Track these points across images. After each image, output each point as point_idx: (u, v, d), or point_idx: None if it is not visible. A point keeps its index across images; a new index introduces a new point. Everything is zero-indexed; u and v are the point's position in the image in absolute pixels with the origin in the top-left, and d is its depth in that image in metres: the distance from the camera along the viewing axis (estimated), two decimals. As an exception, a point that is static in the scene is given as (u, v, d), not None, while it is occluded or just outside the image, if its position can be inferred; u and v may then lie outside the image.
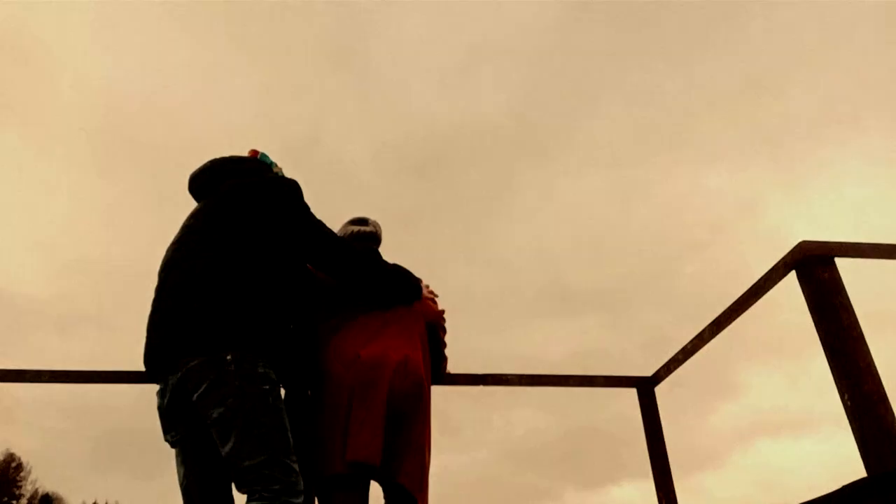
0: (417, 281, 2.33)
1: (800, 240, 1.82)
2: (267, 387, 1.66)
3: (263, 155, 2.25)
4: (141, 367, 1.87)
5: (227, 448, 1.60)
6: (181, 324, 1.69)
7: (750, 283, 2.12)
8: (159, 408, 1.81)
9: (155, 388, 1.85)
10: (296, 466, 1.65)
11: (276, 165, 2.28)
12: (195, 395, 1.63)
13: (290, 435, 1.68)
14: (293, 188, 2.08)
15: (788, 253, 1.88)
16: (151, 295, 1.89)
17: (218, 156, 2.15)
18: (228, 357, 1.61)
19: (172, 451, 1.84)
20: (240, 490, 1.62)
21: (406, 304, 2.25)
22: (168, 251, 1.95)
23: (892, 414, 1.57)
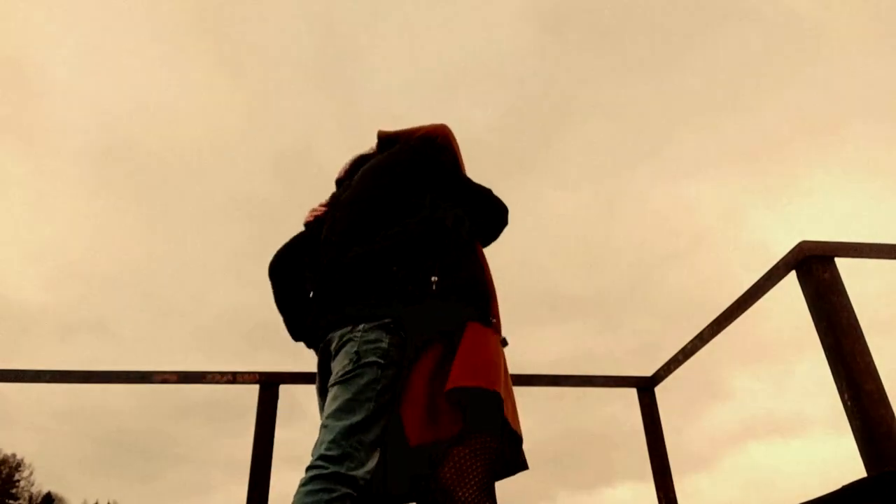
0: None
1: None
2: (382, 361, 1.67)
3: None
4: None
5: (326, 401, 1.65)
6: (335, 300, 1.82)
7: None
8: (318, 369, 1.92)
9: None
10: (368, 445, 1.59)
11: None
12: (332, 361, 1.75)
13: (380, 416, 1.63)
14: (408, 147, 2.08)
15: (789, 252, 1.87)
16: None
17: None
18: (361, 326, 1.71)
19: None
20: (314, 450, 1.56)
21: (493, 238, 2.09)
22: (324, 231, 2.03)
23: (893, 413, 1.57)
